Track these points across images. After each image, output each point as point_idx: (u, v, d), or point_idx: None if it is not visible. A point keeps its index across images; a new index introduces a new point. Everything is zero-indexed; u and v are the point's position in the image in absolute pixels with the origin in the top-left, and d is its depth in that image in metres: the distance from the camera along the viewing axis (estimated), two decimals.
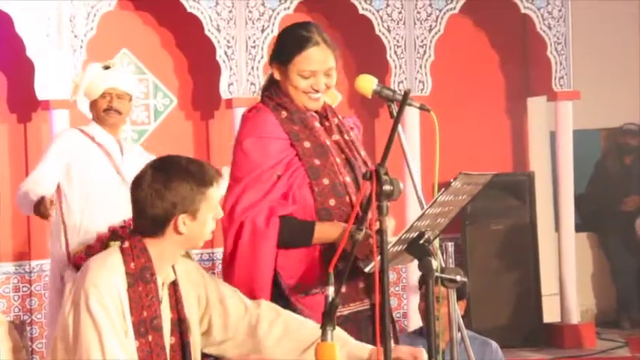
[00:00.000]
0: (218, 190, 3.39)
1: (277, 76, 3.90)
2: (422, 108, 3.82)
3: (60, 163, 5.57)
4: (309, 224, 3.77)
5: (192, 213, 3.32)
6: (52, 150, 5.63)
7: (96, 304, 3.17)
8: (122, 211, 5.04)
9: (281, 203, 3.76)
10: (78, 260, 5.30)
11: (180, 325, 3.36)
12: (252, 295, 3.60)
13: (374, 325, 3.64)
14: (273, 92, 3.92)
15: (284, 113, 3.88)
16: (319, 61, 3.88)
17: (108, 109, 5.57)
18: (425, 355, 3.36)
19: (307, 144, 3.87)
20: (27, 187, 5.45)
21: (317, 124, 3.94)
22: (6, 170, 7.58)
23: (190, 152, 7.92)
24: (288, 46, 3.87)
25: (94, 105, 5.64)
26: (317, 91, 3.90)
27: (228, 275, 3.75)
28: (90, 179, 5.58)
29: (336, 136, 3.97)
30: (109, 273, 3.23)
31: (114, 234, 5.23)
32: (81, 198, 5.57)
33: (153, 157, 4.80)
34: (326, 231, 3.75)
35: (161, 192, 3.31)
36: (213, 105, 7.96)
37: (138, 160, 5.42)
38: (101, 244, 5.20)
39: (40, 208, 5.20)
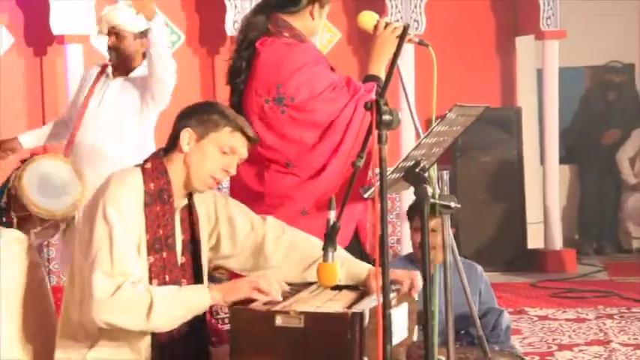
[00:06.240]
0: (233, 142, 3.26)
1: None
2: (421, 43, 3.81)
3: None
4: None
5: (199, 134, 3.25)
6: None
7: (112, 210, 3.08)
8: None
9: None
10: None
11: (193, 246, 3.31)
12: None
13: None
14: (281, 26, 3.82)
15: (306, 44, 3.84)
16: None
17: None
18: (419, 279, 3.32)
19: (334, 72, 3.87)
20: None
21: None
22: (22, 102, 7.53)
23: (197, 86, 7.88)
24: None
25: None
26: None
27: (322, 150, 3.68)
28: None
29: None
30: (128, 190, 3.15)
31: None
32: None
33: None
34: None
35: (185, 114, 3.31)
36: (219, 41, 7.93)
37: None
38: None
39: None
